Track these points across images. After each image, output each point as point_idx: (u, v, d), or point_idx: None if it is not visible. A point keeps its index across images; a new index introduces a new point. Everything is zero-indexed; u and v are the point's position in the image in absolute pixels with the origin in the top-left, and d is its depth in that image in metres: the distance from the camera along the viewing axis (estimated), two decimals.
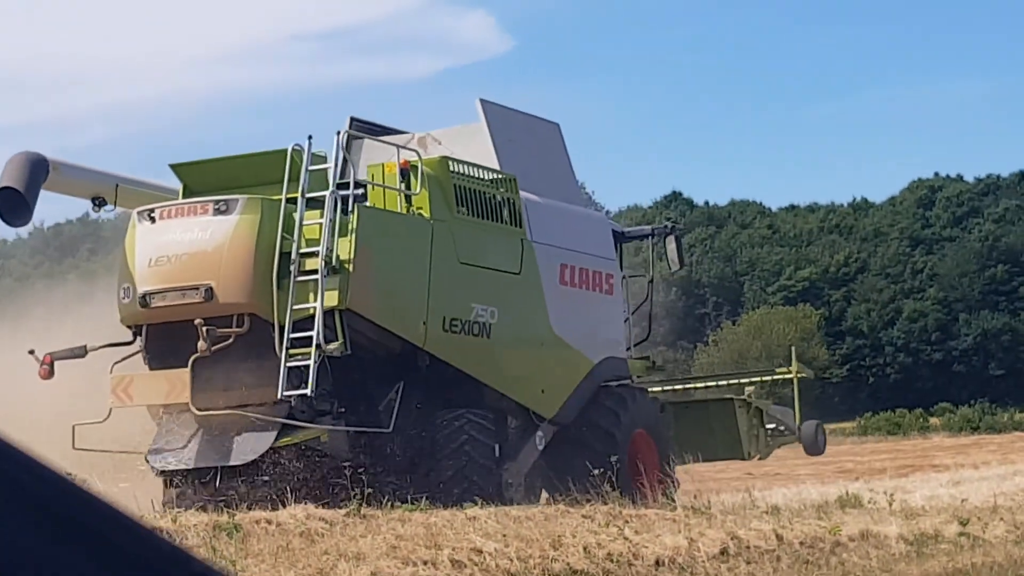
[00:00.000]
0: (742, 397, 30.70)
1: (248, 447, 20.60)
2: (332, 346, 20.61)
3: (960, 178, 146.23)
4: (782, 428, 30.80)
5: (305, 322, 20.71)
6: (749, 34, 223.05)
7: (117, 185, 20.14)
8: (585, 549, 16.88)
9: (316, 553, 15.01)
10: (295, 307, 20.64)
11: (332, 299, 20.71)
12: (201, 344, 20.03)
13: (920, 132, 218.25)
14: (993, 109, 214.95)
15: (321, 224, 20.96)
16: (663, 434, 26.35)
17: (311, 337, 20.52)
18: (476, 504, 18.77)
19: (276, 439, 20.67)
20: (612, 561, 16.82)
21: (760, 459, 30.67)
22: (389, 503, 18.04)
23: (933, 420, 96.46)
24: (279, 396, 20.50)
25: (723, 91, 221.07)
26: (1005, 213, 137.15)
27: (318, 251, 20.80)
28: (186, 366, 20.42)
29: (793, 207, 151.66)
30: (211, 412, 20.64)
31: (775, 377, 33.06)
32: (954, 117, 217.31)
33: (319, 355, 20.49)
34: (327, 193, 21.13)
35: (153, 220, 20.68)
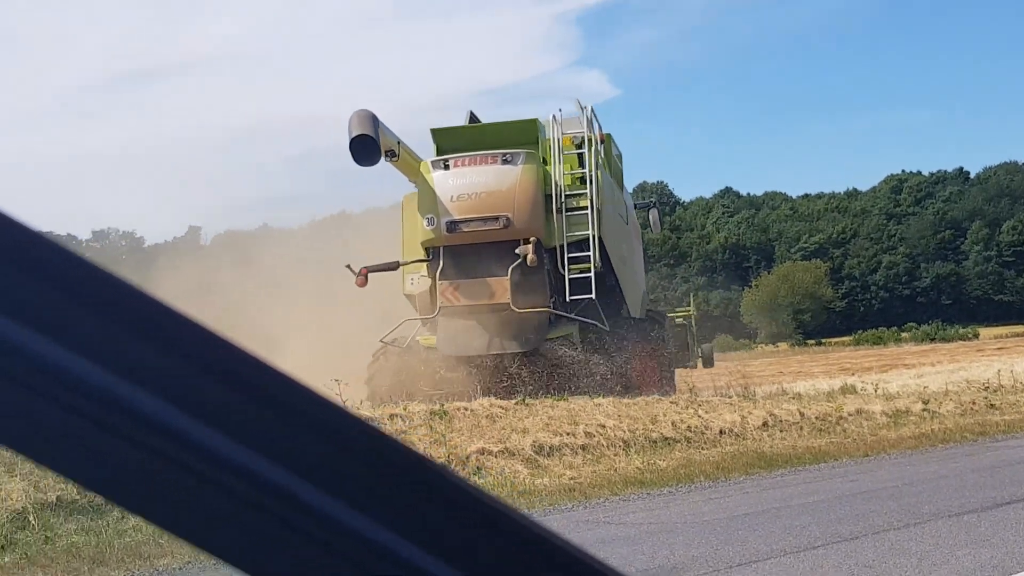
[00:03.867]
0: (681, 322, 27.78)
1: (530, 338, 19.42)
2: (597, 263, 19.73)
3: (919, 172, 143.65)
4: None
5: (572, 246, 19.69)
6: (775, 71, 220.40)
7: (399, 142, 19.07)
8: (672, 424, 16.76)
9: (497, 428, 15.03)
10: (569, 234, 19.74)
11: (595, 229, 19.82)
12: (531, 256, 18.82)
13: (891, 142, 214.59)
14: (938, 127, 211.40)
15: (572, 175, 19.99)
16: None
17: (579, 256, 19.64)
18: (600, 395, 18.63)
19: (548, 333, 19.64)
20: (690, 431, 16.68)
21: (692, 367, 26.82)
22: (545, 396, 17.88)
23: (904, 335, 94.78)
24: (567, 299, 19.55)
25: (757, 113, 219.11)
26: (950, 196, 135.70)
27: (584, 193, 19.84)
28: (477, 277, 19.16)
29: (807, 195, 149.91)
30: (528, 310, 19.25)
31: (680, 312, 29.33)
32: (914, 131, 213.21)
33: (591, 270, 19.65)
34: (584, 151, 20.15)
35: (447, 167, 19.23)
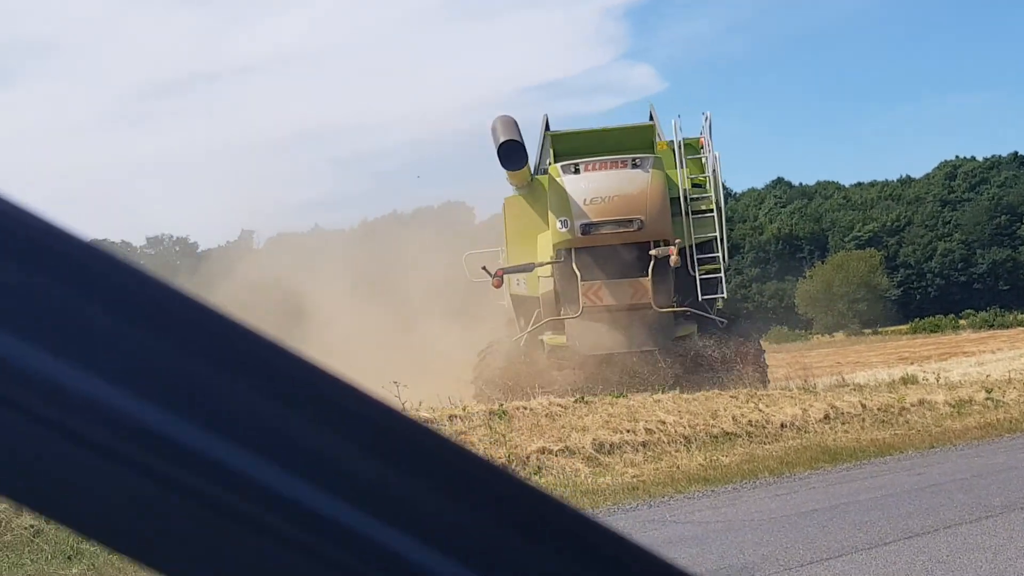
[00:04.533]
0: None
1: (655, 337, 19.82)
2: (726, 263, 20.50)
3: (973, 158, 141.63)
4: None
5: (697, 247, 20.21)
6: (825, 60, 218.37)
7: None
8: (733, 418, 16.59)
9: (556, 427, 14.94)
10: (696, 236, 20.19)
11: (721, 230, 20.36)
12: (675, 258, 19.33)
13: (944, 128, 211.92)
14: (992, 111, 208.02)
15: (691, 178, 20.57)
16: None
17: (704, 257, 20.22)
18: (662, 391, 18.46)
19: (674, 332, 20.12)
20: (752, 425, 16.51)
21: None
22: (604, 394, 17.73)
23: (962, 321, 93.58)
24: (699, 299, 20.09)
25: (807, 102, 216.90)
26: (1005, 181, 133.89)
27: (706, 196, 20.49)
28: (615, 278, 19.52)
29: (860, 183, 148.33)
30: (668, 309, 19.86)
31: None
32: (967, 116, 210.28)
33: (720, 270, 20.35)
34: (704, 156, 20.89)
35: (578, 171, 19.55)
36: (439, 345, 25.25)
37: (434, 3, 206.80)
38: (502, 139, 18.61)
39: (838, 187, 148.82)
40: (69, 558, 9.55)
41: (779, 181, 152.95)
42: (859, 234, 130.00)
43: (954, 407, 19.33)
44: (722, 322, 20.98)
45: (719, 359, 20.13)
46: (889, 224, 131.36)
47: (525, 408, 15.59)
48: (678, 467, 13.79)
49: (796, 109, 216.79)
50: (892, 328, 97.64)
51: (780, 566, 8.37)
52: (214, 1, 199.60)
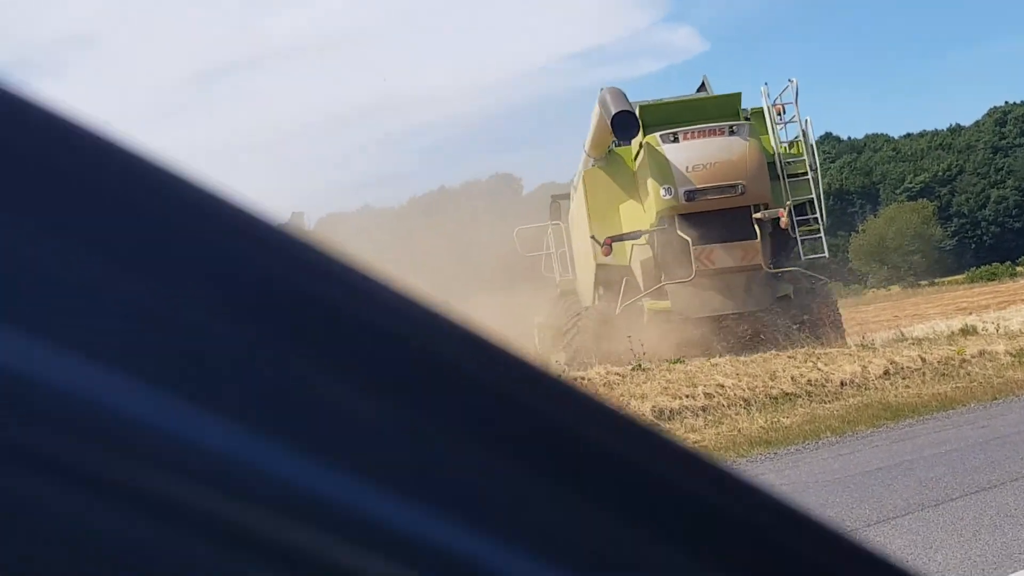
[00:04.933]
0: None
1: (761, 298, 20.32)
2: (825, 224, 21.20)
3: (1023, 103, 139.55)
4: None
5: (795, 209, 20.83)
6: (867, 14, 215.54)
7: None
8: (792, 378, 16.54)
9: (615, 395, 14.98)
10: (794, 198, 20.77)
11: (813, 191, 21.08)
12: (784, 220, 20.11)
13: (992, 74, 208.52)
14: None
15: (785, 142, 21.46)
16: None
17: (800, 219, 20.89)
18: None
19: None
20: (811, 384, 16.45)
21: None
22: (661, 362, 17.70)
23: (1018, 268, 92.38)
24: (801, 259, 20.94)
25: (852, 56, 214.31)
26: None
27: (800, 159, 21.19)
28: (723, 242, 19.94)
29: (909, 134, 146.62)
30: (781, 270, 20.62)
31: None
32: (1016, 61, 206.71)
33: (820, 231, 20.99)
34: (796, 119, 21.61)
35: (676, 140, 19.88)
36: (493, 319, 25.44)
37: None
38: (615, 110, 18.92)
39: (887, 139, 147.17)
40: None
41: (827, 136, 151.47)
42: (910, 185, 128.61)
43: (1015, 356, 19.11)
44: (824, 281, 21.77)
45: (810, 318, 20.56)
46: (940, 174, 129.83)
47: (583, 379, 15.64)
48: (739, 431, 13.78)
49: (841, 63, 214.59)
50: (948, 279, 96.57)
51: (847, 527, 8.37)
52: None
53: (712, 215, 19.83)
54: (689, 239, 19.72)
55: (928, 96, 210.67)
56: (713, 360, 17.38)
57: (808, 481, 10.22)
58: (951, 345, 20.17)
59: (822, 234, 20.96)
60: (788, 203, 20.49)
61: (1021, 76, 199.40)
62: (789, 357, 17.93)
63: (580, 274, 22.99)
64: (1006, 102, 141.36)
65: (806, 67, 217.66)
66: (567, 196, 25.07)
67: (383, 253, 33.74)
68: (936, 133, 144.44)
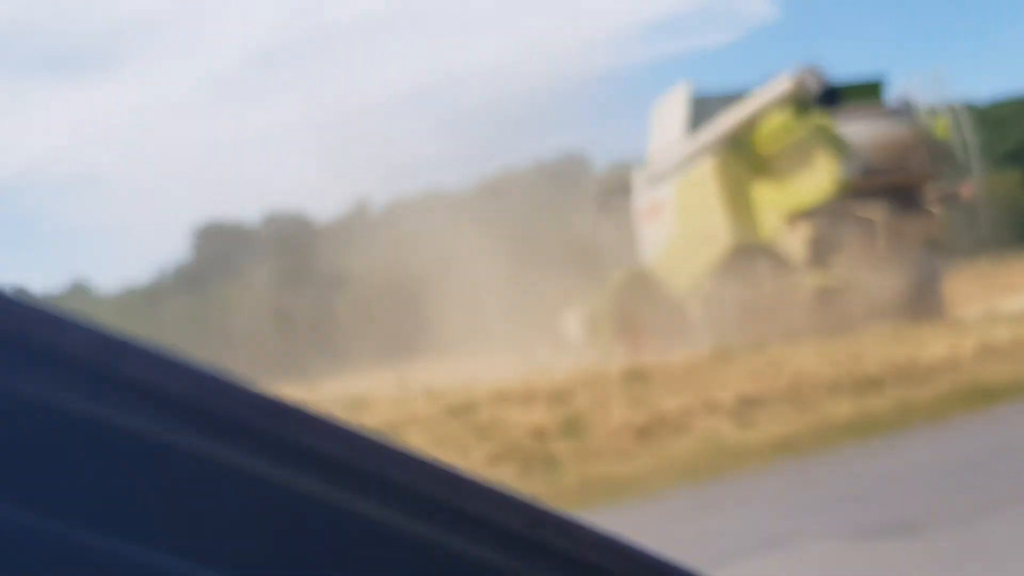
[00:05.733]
0: None
1: (937, 270, 22.00)
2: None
3: None
4: None
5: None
6: None
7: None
8: (879, 362, 16.06)
9: (696, 383, 14.63)
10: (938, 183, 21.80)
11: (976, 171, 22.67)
12: (966, 192, 21.70)
13: None
14: None
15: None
16: None
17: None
18: None
19: None
20: (898, 367, 15.94)
21: None
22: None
23: None
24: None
25: (933, 21, 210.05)
26: None
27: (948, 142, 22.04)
28: (897, 216, 20.78)
29: (995, 101, 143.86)
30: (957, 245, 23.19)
31: None
32: None
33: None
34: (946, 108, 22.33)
35: (849, 120, 20.82)
36: (565, 303, 25.64)
37: None
38: (817, 89, 20.29)
39: (972, 106, 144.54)
40: None
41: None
42: (998, 151, 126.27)
43: None
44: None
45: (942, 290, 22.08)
46: None
47: (663, 366, 15.29)
48: (826, 419, 13.33)
49: (921, 28, 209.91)
50: None
51: (948, 519, 7.96)
52: None
53: (887, 191, 20.70)
54: (876, 214, 20.55)
55: (1015, 60, 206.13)
56: (796, 346, 16.93)
57: (902, 472, 9.79)
58: None
59: (980, 212, 23.02)
60: (974, 179, 22.00)
61: None
62: (874, 338, 17.42)
63: (687, 257, 23.03)
64: None
65: (885, 33, 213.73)
66: (621, 190, 25.60)
67: (454, 241, 33.58)
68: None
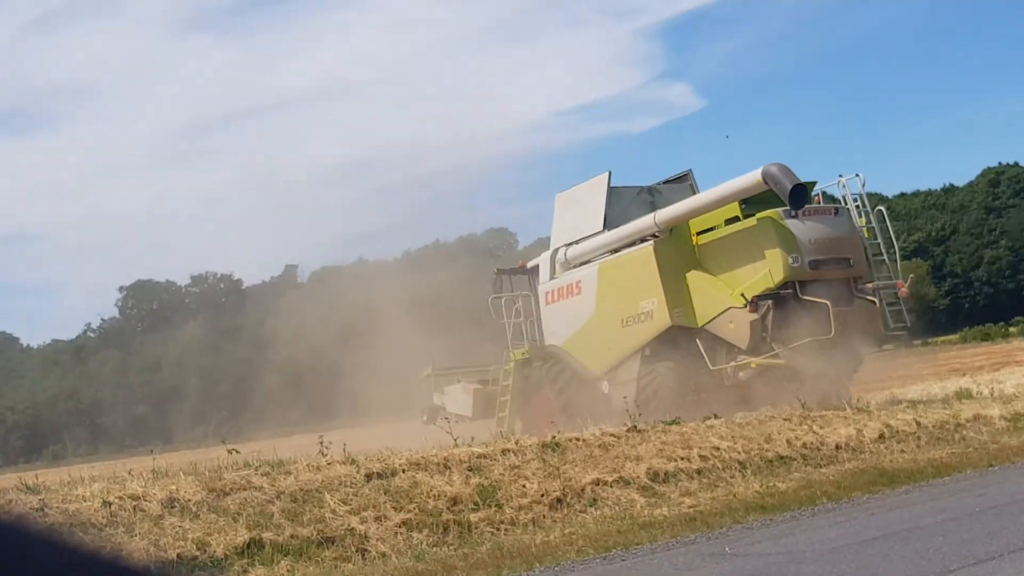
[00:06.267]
0: None
1: (859, 357, 22.71)
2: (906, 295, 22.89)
3: (1016, 164, 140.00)
4: None
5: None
6: (863, 73, 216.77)
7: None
8: (787, 441, 16.45)
9: (610, 457, 14.87)
10: (878, 276, 22.54)
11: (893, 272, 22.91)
12: (904, 291, 22.52)
13: (985, 135, 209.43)
14: None
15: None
16: None
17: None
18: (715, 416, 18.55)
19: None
20: (806, 448, 16.36)
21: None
22: (655, 424, 17.64)
23: (1012, 329, 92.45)
24: (889, 326, 22.58)
25: (847, 115, 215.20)
26: None
27: (876, 242, 22.93)
28: (843, 307, 21.43)
29: (903, 193, 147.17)
30: (893, 332, 23.27)
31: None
32: (1008, 122, 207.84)
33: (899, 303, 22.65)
34: (869, 210, 23.22)
35: (796, 216, 21.49)
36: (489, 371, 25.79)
37: (468, 30, 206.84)
38: (790, 185, 20.65)
39: (881, 198, 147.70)
40: None
41: (823, 196, 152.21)
42: (904, 245, 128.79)
43: (1010, 421, 19.07)
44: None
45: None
46: (934, 234, 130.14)
47: (578, 440, 15.53)
48: (735, 495, 13.66)
49: (836, 121, 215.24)
50: (942, 338, 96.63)
51: None
52: (251, 36, 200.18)
53: (827, 284, 21.60)
54: (828, 301, 21.26)
55: (922, 156, 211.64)
56: (709, 422, 17.29)
57: (806, 550, 10.10)
58: (946, 408, 20.14)
59: (902, 307, 22.67)
60: (911, 276, 22.87)
61: (1014, 137, 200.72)
62: (784, 420, 17.85)
63: (608, 338, 23.49)
64: (999, 163, 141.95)
65: (800, 124, 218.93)
66: (516, 269, 26.09)
67: (379, 307, 33.59)
68: (930, 193, 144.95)
